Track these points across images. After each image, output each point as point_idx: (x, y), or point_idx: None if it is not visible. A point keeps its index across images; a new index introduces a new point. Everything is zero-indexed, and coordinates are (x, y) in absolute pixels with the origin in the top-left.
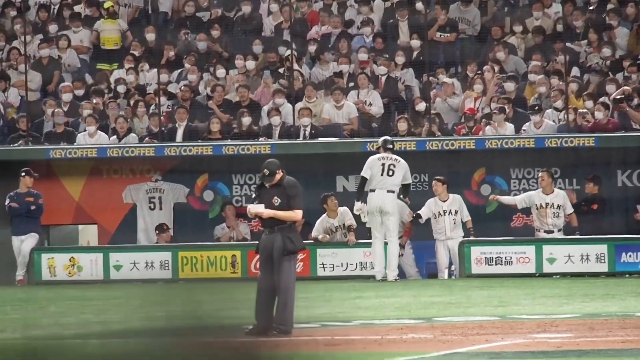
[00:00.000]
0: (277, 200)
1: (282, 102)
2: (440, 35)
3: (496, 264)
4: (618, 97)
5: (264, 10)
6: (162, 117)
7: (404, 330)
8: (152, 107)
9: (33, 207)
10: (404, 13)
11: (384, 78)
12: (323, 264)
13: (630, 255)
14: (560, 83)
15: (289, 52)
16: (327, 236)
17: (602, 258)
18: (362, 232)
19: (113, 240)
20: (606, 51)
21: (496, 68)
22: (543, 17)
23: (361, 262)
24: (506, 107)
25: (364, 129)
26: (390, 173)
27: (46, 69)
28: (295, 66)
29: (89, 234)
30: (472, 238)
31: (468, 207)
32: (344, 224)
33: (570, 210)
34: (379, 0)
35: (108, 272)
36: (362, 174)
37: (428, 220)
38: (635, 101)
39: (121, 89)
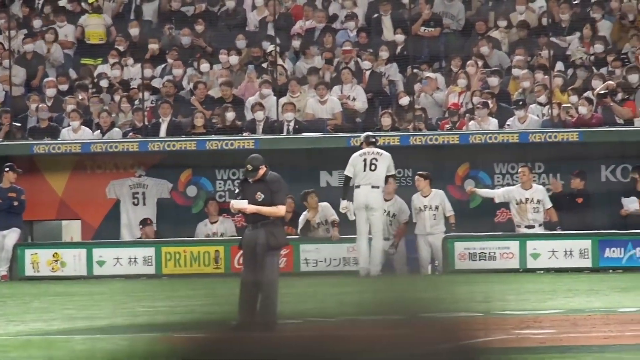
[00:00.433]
0: (260, 196)
1: (269, 92)
2: (425, 29)
3: (480, 260)
4: (602, 92)
5: (248, 4)
6: (145, 112)
7: (388, 326)
8: (137, 102)
9: (15, 203)
10: (388, 7)
11: (368, 73)
12: (306, 260)
13: (614, 251)
14: (545, 77)
15: (272, 47)
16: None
17: (586, 253)
18: (347, 227)
19: (96, 235)
20: (598, 47)
21: (480, 63)
22: (527, 11)
23: (344, 257)
24: (490, 101)
25: (348, 124)
26: (373, 167)
27: (30, 63)
28: (279, 61)
29: (72, 229)
30: (455, 233)
31: (452, 202)
32: (325, 220)
33: (549, 205)
34: None
35: (91, 268)
36: (345, 172)
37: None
38: (620, 96)
39: (104, 83)
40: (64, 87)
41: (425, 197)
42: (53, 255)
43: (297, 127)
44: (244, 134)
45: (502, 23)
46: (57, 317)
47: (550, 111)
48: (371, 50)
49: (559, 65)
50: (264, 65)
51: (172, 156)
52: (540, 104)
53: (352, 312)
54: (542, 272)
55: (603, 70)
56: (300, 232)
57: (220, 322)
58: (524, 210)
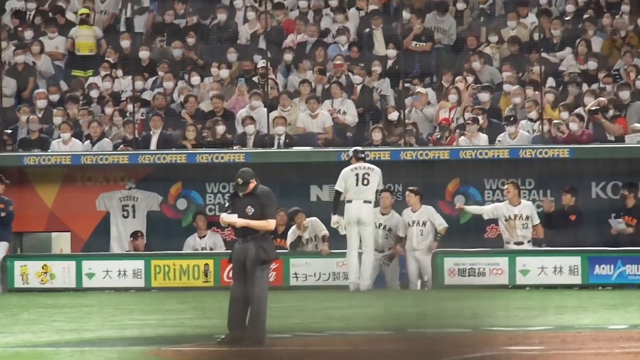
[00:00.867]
0: (250, 210)
1: (259, 104)
2: (416, 44)
3: (469, 275)
4: (593, 108)
5: (239, 18)
6: (136, 125)
7: (376, 342)
8: (127, 114)
9: (3, 214)
10: (379, 22)
11: (359, 87)
12: (296, 274)
13: (603, 268)
14: (536, 93)
15: (264, 61)
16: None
17: (576, 270)
18: (337, 241)
19: (86, 248)
20: (592, 63)
21: (471, 78)
22: (519, 27)
23: (334, 272)
24: (480, 117)
25: (338, 139)
26: (365, 182)
27: (21, 75)
28: (271, 74)
29: (62, 241)
30: (444, 249)
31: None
32: (315, 236)
33: (537, 221)
34: (354, 9)
35: (80, 280)
36: (336, 187)
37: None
38: (611, 112)
39: (94, 93)
40: (55, 97)
41: (414, 212)
42: (42, 267)
43: (287, 141)
44: (234, 148)
45: (494, 38)
46: (46, 329)
47: (541, 127)
48: (362, 65)
49: (550, 81)
50: (255, 79)
51: (162, 169)
52: (531, 119)
53: (340, 326)
54: (529, 288)
55: (594, 87)
56: (290, 247)
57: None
58: (512, 227)
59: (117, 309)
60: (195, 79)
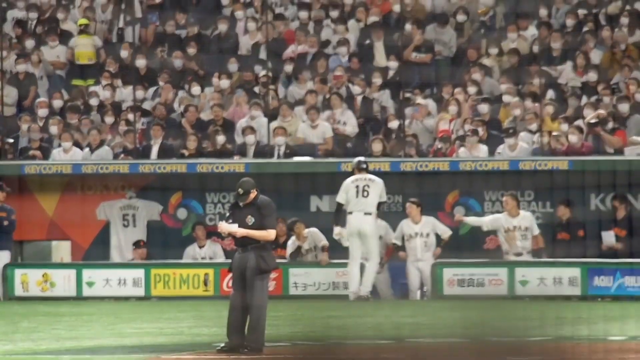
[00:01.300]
0: (250, 220)
1: (259, 114)
2: (416, 55)
3: (468, 286)
4: (593, 120)
5: (240, 28)
6: (137, 134)
7: (376, 351)
8: (123, 123)
9: (5, 223)
10: (380, 34)
11: (359, 98)
12: (295, 283)
13: (602, 279)
14: (535, 105)
15: (265, 71)
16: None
17: (575, 281)
18: (337, 252)
19: (86, 256)
20: (591, 75)
21: (473, 89)
22: (519, 39)
23: (334, 281)
24: (480, 129)
25: (338, 149)
26: (365, 194)
27: (22, 84)
28: (271, 85)
29: (62, 250)
30: (444, 260)
31: None
32: (315, 246)
33: (537, 231)
34: (354, 20)
35: (81, 289)
36: (337, 199)
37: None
38: (610, 125)
39: (94, 101)
40: (59, 102)
41: (416, 224)
42: (42, 276)
43: (287, 151)
44: (234, 158)
45: (494, 51)
46: (46, 337)
47: (540, 139)
48: (363, 76)
49: (550, 94)
50: (256, 89)
51: (162, 178)
52: (530, 131)
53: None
54: (528, 299)
55: (594, 99)
56: (290, 257)
57: None
58: (512, 238)
59: (117, 318)
60: (196, 89)
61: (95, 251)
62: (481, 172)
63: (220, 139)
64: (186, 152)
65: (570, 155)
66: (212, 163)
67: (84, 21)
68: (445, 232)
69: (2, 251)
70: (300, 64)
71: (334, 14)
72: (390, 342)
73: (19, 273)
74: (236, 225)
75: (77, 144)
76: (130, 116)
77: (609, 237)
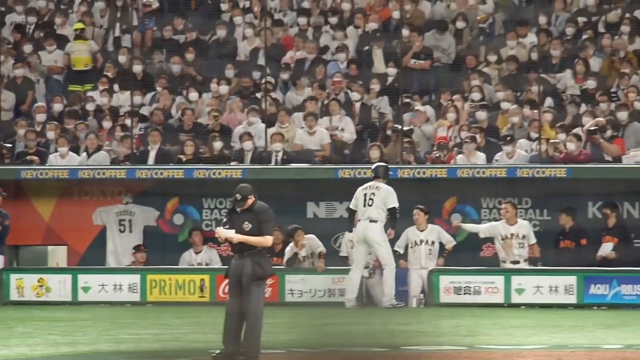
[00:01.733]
0: (247, 226)
1: (256, 120)
2: (415, 62)
3: (465, 294)
4: (592, 128)
5: (239, 34)
6: (134, 140)
7: (371, 358)
8: (119, 128)
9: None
10: (381, 41)
11: (358, 104)
12: (292, 290)
13: (599, 287)
14: (534, 112)
15: (264, 78)
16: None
17: (571, 289)
18: (334, 258)
19: (82, 261)
20: (591, 83)
21: (470, 97)
22: (518, 46)
23: (330, 288)
24: (478, 136)
25: (336, 156)
26: (370, 202)
27: (20, 88)
28: (270, 91)
29: (58, 255)
30: (441, 267)
31: None
32: (312, 252)
33: (533, 240)
34: (353, 27)
35: (76, 294)
36: (350, 205)
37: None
38: (608, 133)
39: (90, 106)
40: (58, 107)
41: (421, 231)
42: (38, 281)
43: (285, 157)
44: (231, 163)
45: (493, 58)
46: (41, 343)
47: (538, 147)
48: (361, 82)
49: (549, 101)
50: (257, 95)
51: (159, 184)
52: (529, 139)
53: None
54: (524, 307)
55: (592, 107)
56: (286, 264)
57: None
58: (509, 246)
59: (113, 323)
60: (193, 95)
61: (91, 256)
62: (479, 179)
63: (218, 144)
64: (183, 158)
65: (568, 163)
66: (209, 169)
67: (79, 25)
68: (450, 242)
69: None
70: (298, 70)
71: (333, 20)
72: (386, 350)
73: (14, 278)
74: (233, 231)
75: (74, 149)
76: (128, 121)
77: (606, 248)
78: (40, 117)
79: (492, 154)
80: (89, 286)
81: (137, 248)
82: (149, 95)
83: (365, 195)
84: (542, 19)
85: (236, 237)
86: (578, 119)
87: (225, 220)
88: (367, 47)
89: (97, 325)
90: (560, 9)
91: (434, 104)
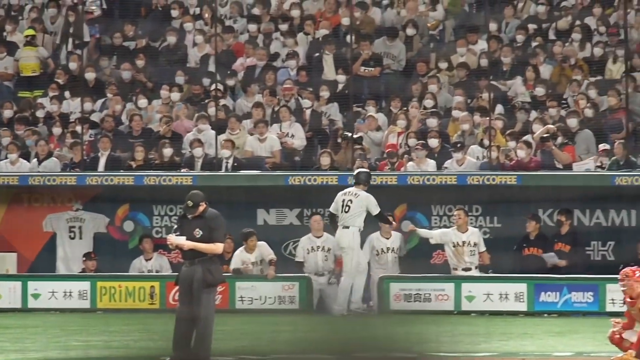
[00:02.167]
0: (198, 232)
1: (206, 127)
2: (365, 69)
3: (415, 301)
4: (545, 135)
5: (189, 41)
6: (84, 146)
7: None
8: (69, 135)
9: None
10: (332, 47)
11: (308, 111)
12: (242, 297)
13: (549, 295)
14: (485, 119)
15: (214, 85)
16: (250, 266)
17: (521, 297)
18: (285, 266)
19: (32, 268)
20: (540, 90)
21: (420, 104)
22: (468, 53)
23: (280, 295)
24: (436, 140)
25: (286, 162)
26: (347, 209)
27: None
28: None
29: (8, 262)
30: (390, 274)
31: None
32: (262, 260)
33: (483, 248)
34: (303, 34)
35: (26, 301)
36: (330, 209)
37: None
38: (559, 140)
39: (40, 113)
40: (9, 113)
41: (387, 239)
42: None
43: (235, 164)
44: (182, 170)
45: (443, 65)
46: None
47: (489, 154)
48: (311, 89)
49: (499, 108)
50: (205, 101)
51: (109, 190)
52: (482, 146)
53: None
54: (475, 314)
55: (543, 114)
56: (233, 272)
57: None
58: (460, 253)
59: (63, 330)
60: (143, 102)
61: (42, 263)
62: (429, 186)
63: (168, 151)
64: (134, 164)
65: (518, 171)
66: (160, 175)
67: (30, 32)
68: (402, 250)
69: None
70: (249, 76)
71: (283, 27)
72: (337, 357)
73: None
74: (184, 237)
75: (24, 155)
76: (78, 128)
77: (550, 258)
78: None
79: (442, 161)
80: (39, 293)
81: (87, 255)
82: (99, 102)
83: (343, 201)
84: (493, 26)
85: (187, 244)
86: (528, 126)
87: (176, 227)
88: (317, 54)
89: (47, 332)
90: (510, 15)
91: (384, 110)
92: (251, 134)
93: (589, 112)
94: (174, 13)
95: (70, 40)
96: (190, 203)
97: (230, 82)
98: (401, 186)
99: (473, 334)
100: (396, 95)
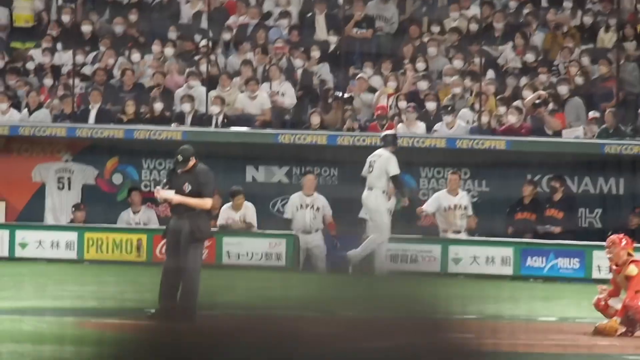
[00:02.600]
0: (187, 187)
1: (196, 84)
2: (357, 31)
3: (401, 262)
4: (537, 101)
5: None
6: (75, 99)
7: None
8: (61, 87)
9: None
10: (322, 7)
11: (299, 71)
12: (228, 252)
13: (535, 260)
14: (475, 84)
15: (205, 40)
16: (235, 222)
17: (508, 261)
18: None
19: (20, 218)
20: (530, 56)
21: (412, 66)
22: (461, 18)
23: (267, 252)
24: (431, 103)
25: (276, 121)
26: (370, 170)
27: None
28: (211, 54)
29: None
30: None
31: None
32: (244, 220)
33: (471, 212)
34: None
35: (13, 250)
36: (362, 173)
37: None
38: (550, 106)
39: (30, 65)
40: (1, 62)
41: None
42: None
43: (225, 120)
44: (172, 125)
45: (436, 29)
46: None
47: (479, 118)
48: (303, 49)
49: (490, 73)
50: (196, 57)
51: (99, 143)
52: (472, 109)
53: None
54: (462, 277)
55: (533, 80)
56: (219, 227)
57: None
58: (452, 217)
59: (49, 280)
60: (136, 56)
61: (30, 213)
62: (418, 148)
63: (158, 106)
64: (124, 118)
65: (508, 135)
66: (150, 130)
67: None
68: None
69: None
70: (241, 34)
71: None
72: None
73: None
74: (173, 191)
75: (15, 105)
76: (70, 81)
77: (546, 229)
78: None
79: (433, 124)
80: (26, 242)
81: (76, 206)
82: (91, 55)
83: (369, 163)
84: None
85: (175, 198)
86: (518, 91)
87: (165, 181)
88: (309, 14)
89: (33, 281)
90: None
91: (375, 72)
92: (242, 92)
93: (579, 80)
94: None
95: None
96: (180, 157)
97: (223, 39)
98: None
99: (458, 296)
100: (387, 57)
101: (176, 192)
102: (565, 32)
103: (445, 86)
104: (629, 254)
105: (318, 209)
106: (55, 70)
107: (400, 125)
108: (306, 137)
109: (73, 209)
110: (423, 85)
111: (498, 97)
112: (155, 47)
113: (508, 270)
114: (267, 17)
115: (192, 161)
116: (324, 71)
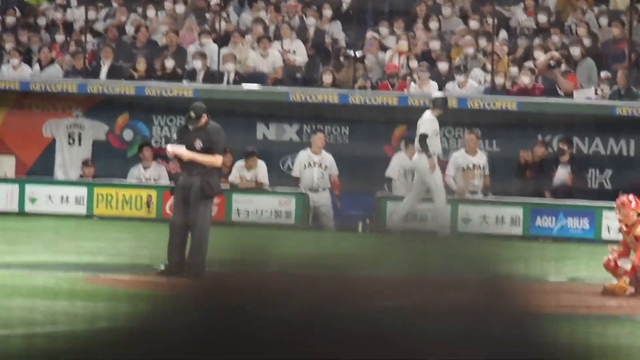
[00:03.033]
0: (199, 144)
1: (208, 41)
2: None
3: (411, 221)
4: (552, 62)
5: None
6: (87, 55)
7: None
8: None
9: None
10: None
11: (312, 29)
12: (238, 210)
13: (545, 220)
14: (488, 44)
15: None
16: (248, 179)
17: (517, 221)
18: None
19: (30, 173)
20: (542, 17)
21: (424, 26)
22: None
23: (276, 210)
24: (445, 63)
25: (287, 79)
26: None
27: None
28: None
29: (6, 165)
30: (387, 194)
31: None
32: (256, 180)
33: (487, 171)
34: None
35: (23, 204)
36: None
37: None
38: (563, 67)
39: (42, 21)
40: (12, 19)
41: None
42: None
43: (237, 78)
44: (183, 82)
45: None
46: None
47: (491, 78)
48: (315, 7)
49: (503, 34)
50: (208, 15)
51: (110, 99)
52: (485, 70)
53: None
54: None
55: (545, 41)
56: (230, 186)
57: None
58: (470, 177)
59: (58, 235)
60: (151, 12)
61: (40, 168)
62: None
63: (170, 63)
64: (135, 75)
65: (520, 96)
66: (161, 86)
67: None
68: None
69: None
70: None
71: None
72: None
73: None
74: (183, 147)
75: (26, 60)
76: (82, 37)
77: (562, 175)
78: None
79: (444, 84)
80: (36, 197)
81: (85, 162)
82: (103, 12)
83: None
84: None
85: (186, 154)
86: (531, 52)
87: (176, 137)
88: None
89: (42, 236)
90: None
91: (388, 31)
92: (253, 49)
93: (591, 42)
94: None
95: None
96: (192, 114)
97: None
98: (402, 107)
99: (466, 256)
100: (400, 16)
101: (187, 149)
102: None
103: (458, 46)
104: (639, 215)
105: (326, 167)
106: (68, 27)
107: (412, 84)
108: (317, 96)
109: (82, 164)
110: (435, 44)
111: (512, 57)
112: (168, 3)
113: (518, 230)
114: None
115: (204, 118)
116: (336, 30)
